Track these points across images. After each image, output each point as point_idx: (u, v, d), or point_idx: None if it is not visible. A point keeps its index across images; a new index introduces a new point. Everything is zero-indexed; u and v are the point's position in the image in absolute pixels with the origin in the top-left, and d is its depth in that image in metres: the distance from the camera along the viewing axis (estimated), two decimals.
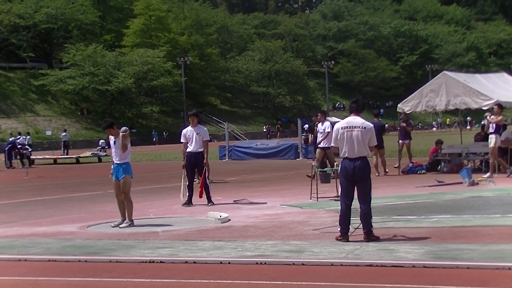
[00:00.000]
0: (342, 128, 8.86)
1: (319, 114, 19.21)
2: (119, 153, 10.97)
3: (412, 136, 21.98)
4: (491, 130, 17.36)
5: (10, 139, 35.64)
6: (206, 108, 77.88)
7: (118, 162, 11.00)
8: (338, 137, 8.85)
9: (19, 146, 33.27)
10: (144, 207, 13.33)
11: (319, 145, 18.03)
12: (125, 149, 10.97)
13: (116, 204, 11.13)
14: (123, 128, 11.07)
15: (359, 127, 8.78)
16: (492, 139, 17.18)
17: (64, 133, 49.93)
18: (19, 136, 38.67)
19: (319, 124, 18.50)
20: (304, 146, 29.84)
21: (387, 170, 19.60)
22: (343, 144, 8.79)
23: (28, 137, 42.54)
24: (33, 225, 11.50)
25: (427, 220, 10.24)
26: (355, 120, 8.89)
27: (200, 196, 13.49)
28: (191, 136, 13.70)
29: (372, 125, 9.01)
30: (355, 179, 8.70)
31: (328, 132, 17.23)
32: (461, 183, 15.45)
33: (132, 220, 10.95)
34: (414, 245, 8.14)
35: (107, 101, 70.53)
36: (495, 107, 17.50)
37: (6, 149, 33.05)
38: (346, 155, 8.78)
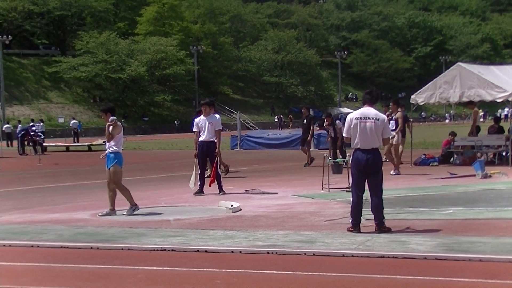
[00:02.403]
0: (355, 118, 8.81)
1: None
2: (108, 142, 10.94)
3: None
4: (391, 127, 17.38)
5: (19, 126, 35.84)
6: (218, 97, 77.82)
7: (108, 151, 10.95)
8: (351, 128, 8.81)
9: (32, 133, 33.46)
10: (155, 196, 13.38)
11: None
12: (108, 139, 10.86)
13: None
14: (111, 118, 10.92)
15: (372, 118, 8.73)
16: (394, 137, 17.27)
17: (73, 121, 49.98)
18: (32, 123, 38.86)
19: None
20: (316, 137, 29.72)
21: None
22: (356, 135, 8.75)
23: (41, 124, 42.77)
24: (46, 211, 11.56)
25: (439, 212, 10.19)
26: (368, 111, 8.84)
27: (210, 185, 13.50)
28: (204, 125, 13.69)
29: (386, 117, 8.97)
30: (368, 170, 8.67)
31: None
32: (474, 175, 15.38)
33: (136, 204, 10.89)
34: (426, 237, 8.11)
35: (119, 89, 70.68)
36: (391, 104, 17.74)
37: (19, 136, 33.26)
38: (358, 146, 8.74)
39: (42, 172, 21.61)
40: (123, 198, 10.95)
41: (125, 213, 10.81)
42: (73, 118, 52.79)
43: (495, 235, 8.18)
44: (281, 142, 31.05)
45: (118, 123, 11.01)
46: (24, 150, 32.79)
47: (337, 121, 20.05)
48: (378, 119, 8.74)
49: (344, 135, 9.06)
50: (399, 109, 18.16)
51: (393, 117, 17.66)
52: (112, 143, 10.86)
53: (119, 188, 10.91)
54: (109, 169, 10.86)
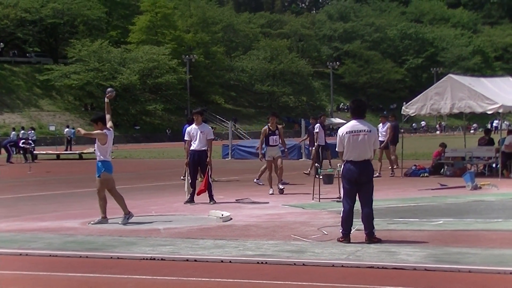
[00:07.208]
0: (346, 132, 8.83)
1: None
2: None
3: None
4: (274, 143, 16.61)
5: (12, 133, 35.73)
6: (210, 106, 77.88)
7: (97, 160, 10.99)
8: (344, 142, 8.81)
9: (22, 141, 33.30)
10: (146, 204, 13.35)
11: None
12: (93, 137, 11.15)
13: (113, 200, 10.99)
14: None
15: (365, 130, 8.76)
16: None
17: (67, 129, 50.04)
18: (22, 131, 38.73)
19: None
20: (307, 147, 29.71)
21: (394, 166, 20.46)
22: (348, 149, 8.77)
23: (32, 132, 42.63)
24: (35, 220, 11.51)
25: (429, 223, 10.21)
26: (359, 124, 8.87)
27: (199, 194, 13.46)
28: (195, 134, 13.70)
29: (376, 128, 9.00)
30: (360, 182, 8.68)
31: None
32: (464, 187, 15.43)
33: (129, 212, 10.86)
34: (415, 248, 8.13)
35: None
36: (271, 118, 16.79)
37: (8, 144, 33.13)
38: (351, 159, 8.75)
39: (32, 180, 21.51)
40: (116, 206, 10.92)
41: (119, 222, 10.75)
42: (67, 126, 52.70)
43: (484, 247, 8.20)
44: None
45: (105, 132, 11.01)
46: (10, 158, 32.39)
47: (317, 125, 20.18)
48: (370, 131, 8.79)
49: (336, 149, 9.04)
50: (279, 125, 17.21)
51: (276, 132, 16.97)
52: (98, 152, 10.88)
53: (114, 195, 10.89)
54: (99, 177, 10.85)
